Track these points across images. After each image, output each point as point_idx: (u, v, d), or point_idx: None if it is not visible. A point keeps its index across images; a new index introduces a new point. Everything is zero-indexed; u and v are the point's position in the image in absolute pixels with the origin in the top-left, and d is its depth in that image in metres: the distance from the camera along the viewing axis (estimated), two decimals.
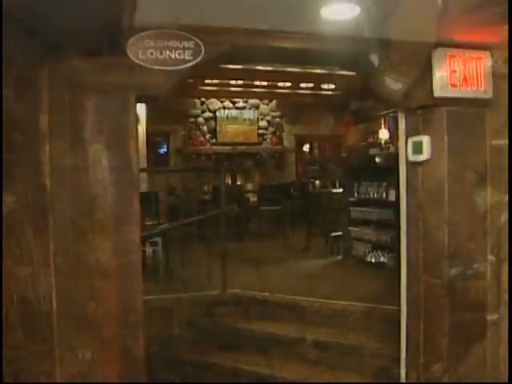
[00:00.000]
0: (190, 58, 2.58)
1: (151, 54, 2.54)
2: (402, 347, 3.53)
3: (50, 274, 2.39)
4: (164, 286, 5.39)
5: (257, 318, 5.04)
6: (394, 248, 6.00)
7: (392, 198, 5.92)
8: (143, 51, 2.53)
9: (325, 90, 12.31)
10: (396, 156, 5.95)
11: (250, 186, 11.74)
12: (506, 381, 3.06)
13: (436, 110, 3.05)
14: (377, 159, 6.21)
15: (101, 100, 2.50)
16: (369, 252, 6.38)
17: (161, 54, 2.55)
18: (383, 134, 13.09)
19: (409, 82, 3.03)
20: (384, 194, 6.10)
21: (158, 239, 6.11)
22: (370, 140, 8.82)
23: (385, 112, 13.04)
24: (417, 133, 3.21)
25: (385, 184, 6.16)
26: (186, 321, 5.11)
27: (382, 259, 6.17)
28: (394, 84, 3.08)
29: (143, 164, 8.14)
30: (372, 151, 6.51)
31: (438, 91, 2.97)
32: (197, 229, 6.76)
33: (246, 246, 8.57)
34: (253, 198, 10.71)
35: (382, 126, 13.49)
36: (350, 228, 6.76)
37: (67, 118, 2.46)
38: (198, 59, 2.59)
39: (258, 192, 10.39)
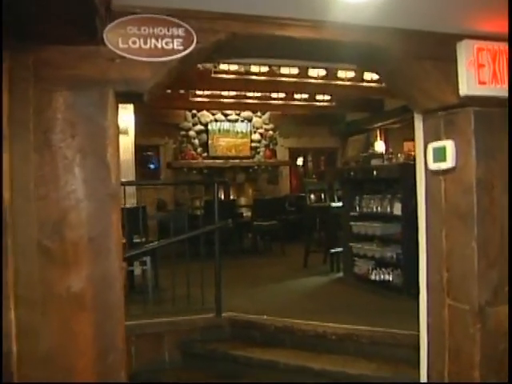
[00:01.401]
0: (180, 47, 2.19)
1: (134, 42, 2.14)
2: (421, 379, 3.11)
3: (8, 307, 1.96)
4: (153, 308, 4.96)
5: (254, 344, 4.66)
6: (399, 265, 5.62)
7: (397, 211, 5.54)
8: (124, 39, 2.13)
9: (320, 101, 12.02)
10: (403, 165, 5.65)
11: (243, 201, 11.37)
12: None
13: (461, 110, 2.67)
14: (379, 170, 5.83)
15: (73, 97, 2.08)
16: (372, 269, 5.97)
17: (145, 42, 2.15)
18: (379, 146, 12.81)
19: (430, 79, 2.65)
20: (388, 208, 5.71)
21: (147, 258, 5.68)
22: (370, 151, 8.53)
23: (380, 124, 12.82)
24: (438, 137, 2.83)
25: (389, 197, 5.77)
26: (177, 347, 4.71)
27: (386, 277, 5.76)
28: (413, 81, 2.71)
29: (132, 178, 7.73)
30: (374, 162, 6.13)
31: (465, 89, 2.59)
32: (189, 245, 6.36)
33: (241, 264, 8.20)
34: (246, 213, 10.33)
35: (378, 138, 13.23)
36: (351, 244, 6.36)
37: (32, 119, 2.04)
38: (190, 49, 2.19)
39: (252, 207, 10.00)
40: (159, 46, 2.17)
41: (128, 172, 7.74)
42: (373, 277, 5.92)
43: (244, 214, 10.27)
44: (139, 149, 12.82)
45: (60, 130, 2.08)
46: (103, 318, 2.13)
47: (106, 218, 2.11)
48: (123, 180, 7.01)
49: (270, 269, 7.68)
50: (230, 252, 8.98)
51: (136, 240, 6.00)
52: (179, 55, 2.18)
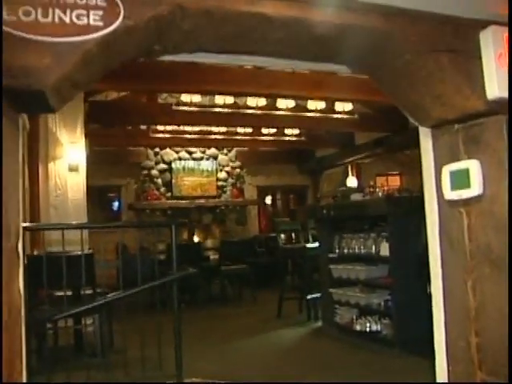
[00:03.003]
0: (99, 23, 1.47)
1: (27, 13, 1.41)
2: None
3: None
4: (100, 377, 4.08)
5: None
6: (389, 314, 4.89)
7: (384, 252, 4.84)
8: (12, 10, 1.40)
9: (288, 135, 11.48)
10: (390, 199, 4.96)
11: (210, 243, 10.57)
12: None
13: (489, 120, 2.02)
14: (362, 206, 5.17)
15: None
16: (357, 318, 5.23)
17: (45, 14, 1.43)
18: (351, 182, 12.26)
19: (447, 79, 1.99)
20: (373, 248, 5.02)
21: (95, 316, 4.83)
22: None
23: (351, 159, 12.32)
24: (456, 157, 2.16)
25: (373, 235, 5.09)
26: None
27: (374, 327, 5.02)
28: (423, 82, 2.05)
29: (84, 219, 6.89)
30: (354, 197, 5.47)
31: (495, 91, 1.94)
32: (148, 296, 5.55)
33: (208, 314, 7.39)
34: (213, 256, 9.55)
35: (350, 174, 12.69)
36: (331, 290, 5.61)
37: None
38: (114, 27, 1.48)
39: (220, 249, 9.22)
40: (67, 19, 1.44)
41: (79, 213, 6.91)
42: (358, 327, 5.17)
43: (211, 258, 9.50)
44: (99, 190, 12.07)
45: None
46: None
47: None
48: (73, 222, 6.21)
49: (241, 320, 6.86)
50: (197, 301, 8.17)
51: (83, 291, 5.14)
52: (98, 34, 1.46)
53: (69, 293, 4.95)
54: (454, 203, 2.19)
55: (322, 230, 6.08)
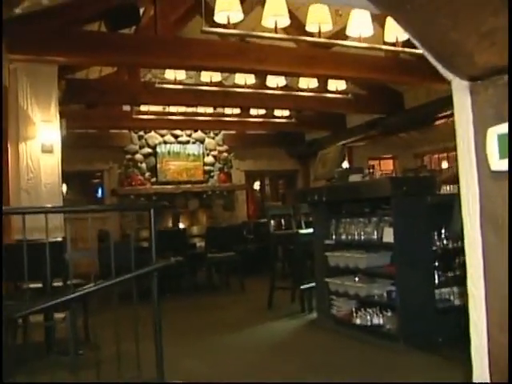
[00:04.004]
0: None
1: None
2: None
3: None
4: (68, 378, 3.59)
5: None
6: (392, 305, 4.46)
7: (388, 238, 4.39)
8: None
9: (278, 117, 10.99)
10: (395, 180, 4.48)
11: (196, 230, 10.10)
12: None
13: None
14: (362, 188, 4.71)
15: None
16: (356, 311, 4.79)
17: None
18: (343, 166, 11.83)
19: (500, 13, 1.52)
20: (375, 234, 4.57)
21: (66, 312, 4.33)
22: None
23: (343, 142, 11.88)
24: (504, 117, 1.69)
25: (375, 220, 4.65)
26: None
27: (375, 321, 4.59)
28: (469, 18, 1.57)
29: (59, 204, 6.37)
30: (353, 178, 5.01)
31: None
32: (130, 287, 5.06)
33: (193, 304, 6.94)
34: (200, 243, 9.08)
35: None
36: (327, 279, 5.17)
37: None
38: None
39: (206, 236, 8.76)
40: None
41: (54, 198, 6.39)
42: (358, 320, 4.73)
43: (197, 245, 9.04)
44: (80, 175, 11.55)
45: None
46: None
47: None
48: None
49: (228, 311, 6.41)
50: (182, 290, 7.73)
51: (55, 284, 4.64)
52: None
53: (39, 285, 4.49)
54: (501, 175, 1.72)
55: (317, 215, 5.62)
